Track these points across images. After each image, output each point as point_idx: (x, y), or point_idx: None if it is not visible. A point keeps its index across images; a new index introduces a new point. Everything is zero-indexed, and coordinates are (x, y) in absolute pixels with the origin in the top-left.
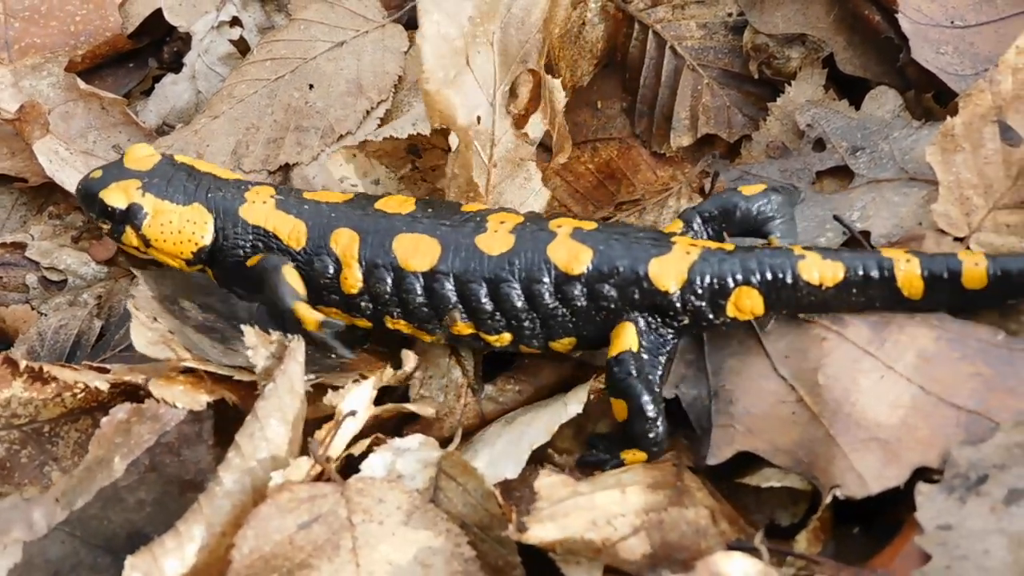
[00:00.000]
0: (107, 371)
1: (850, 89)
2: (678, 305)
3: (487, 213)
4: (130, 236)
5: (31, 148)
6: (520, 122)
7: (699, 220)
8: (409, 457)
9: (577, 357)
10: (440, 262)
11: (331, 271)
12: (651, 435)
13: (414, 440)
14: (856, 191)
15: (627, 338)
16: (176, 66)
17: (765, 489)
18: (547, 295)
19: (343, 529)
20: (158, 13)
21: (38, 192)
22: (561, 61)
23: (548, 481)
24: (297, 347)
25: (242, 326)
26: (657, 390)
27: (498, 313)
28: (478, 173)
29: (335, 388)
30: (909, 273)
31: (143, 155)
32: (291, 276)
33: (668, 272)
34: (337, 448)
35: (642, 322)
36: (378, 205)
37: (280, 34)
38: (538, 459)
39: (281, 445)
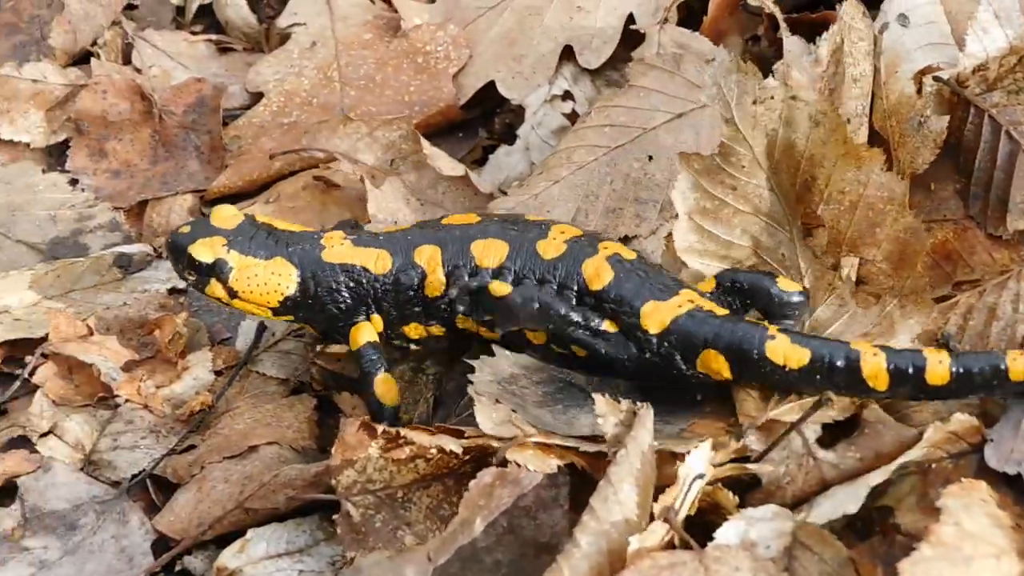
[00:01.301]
0: (461, 434)
1: None
2: (654, 346)
3: (551, 223)
4: (215, 288)
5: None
6: None
7: (729, 284)
8: (762, 526)
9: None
10: (507, 259)
11: (416, 282)
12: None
13: (767, 510)
14: None
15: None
16: (507, 137)
17: None
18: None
19: None
20: (490, 86)
21: None
22: (901, 149)
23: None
24: (646, 414)
25: (593, 394)
26: None
27: None
28: None
29: (675, 454)
30: (875, 366)
31: (228, 215)
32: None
33: (655, 317)
34: (683, 511)
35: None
36: (446, 221)
37: (617, 99)
38: (883, 530)
39: (633, 509)
